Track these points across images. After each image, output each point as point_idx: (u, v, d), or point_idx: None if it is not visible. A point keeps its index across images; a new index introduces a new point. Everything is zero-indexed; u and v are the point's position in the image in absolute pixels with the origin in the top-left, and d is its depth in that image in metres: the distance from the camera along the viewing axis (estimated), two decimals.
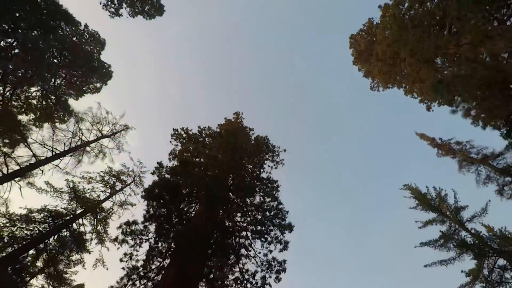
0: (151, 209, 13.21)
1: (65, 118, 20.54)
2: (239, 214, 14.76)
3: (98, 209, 15.60)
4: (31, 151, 13.34)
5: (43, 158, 13.61)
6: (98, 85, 25.06)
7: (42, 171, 14.06)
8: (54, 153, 14.00)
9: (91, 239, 15.18)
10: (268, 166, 22.01)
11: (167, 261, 12.54)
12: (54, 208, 13.97)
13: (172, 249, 12.41)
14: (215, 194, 12.95)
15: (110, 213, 16.07)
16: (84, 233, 14.82)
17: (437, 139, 22.79)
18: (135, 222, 13.95)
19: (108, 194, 16.59)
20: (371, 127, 77.45)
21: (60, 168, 14.60)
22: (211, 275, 12.48)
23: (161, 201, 12.89)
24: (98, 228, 15.32)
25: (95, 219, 15.54)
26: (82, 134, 15.98)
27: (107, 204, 16.53)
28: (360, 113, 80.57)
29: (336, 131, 78.91)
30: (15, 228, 12.49)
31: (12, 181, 13.46)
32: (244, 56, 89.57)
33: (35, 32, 15.90)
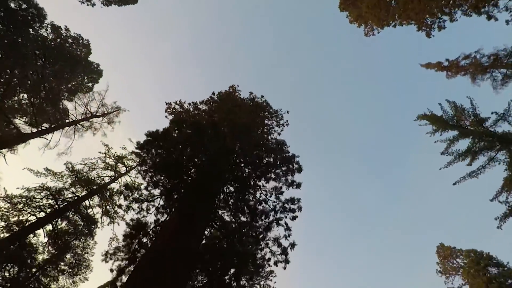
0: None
1: (58, 117, 20.47)
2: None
3: (104, 190, 15.32)
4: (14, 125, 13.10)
5: (29, 132, 13.45)
6: (89, 84, 25.12)
7: (29, 143, 13.83)
8: (41, 129, 13.83)
9: (102, 221, 14.93)
10: (271, 128, 21.17)
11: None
12: (54, 186, 13.74)
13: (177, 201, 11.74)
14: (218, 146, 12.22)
15: (118, 192, 15.70)
16: (93, 215, 14.56)
17: (443, 61, 21.33)
18: (136, 187, 13.41)
19: (113, 177, 16.33)
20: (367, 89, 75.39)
21: (51, 147, 14.42)
22: (219, 222, 11.75)
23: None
24: (107, 207, 15.04)
25: (102, 200, 15.26)
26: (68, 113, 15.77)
27: (113, 186, 16.33)
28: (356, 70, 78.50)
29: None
30: (19, 212, 12.30)
31: None
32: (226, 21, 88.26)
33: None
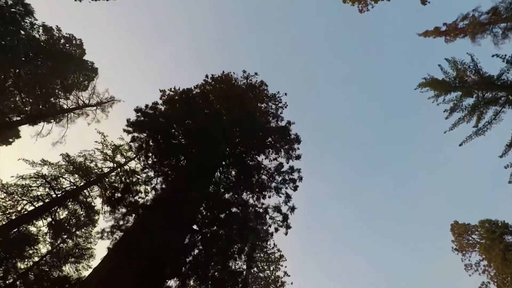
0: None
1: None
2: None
3: (103, 179, 15.16)
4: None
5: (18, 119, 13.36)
6: (85, 83, 25.14)
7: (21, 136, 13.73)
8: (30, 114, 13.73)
9: (103, 210, 14.75)
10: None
11: None
12: (50, 174, 13.62)
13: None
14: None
15: (117, 181, 15.55)
16: (93, 203, 14.43)
17: (440, 26, 20.65)
18: (134, 171, 13.19)
19: (112, 168, 16.17)
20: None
21: (43, 135, 14.29)
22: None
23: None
24: (108, 195, 14.83)
25: (102, 189, 15.10)
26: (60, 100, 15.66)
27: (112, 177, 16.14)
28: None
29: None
30: (16, 202, 12.22)
31: None
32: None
33: None
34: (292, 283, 21.16)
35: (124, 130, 11.25)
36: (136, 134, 11.76)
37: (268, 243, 25.27)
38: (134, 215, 8.72)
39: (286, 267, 22.40)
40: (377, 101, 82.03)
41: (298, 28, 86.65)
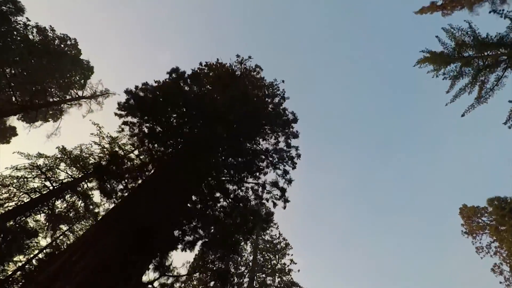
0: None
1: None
2: None
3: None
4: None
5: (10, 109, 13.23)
6: (82, 81, 25.14)
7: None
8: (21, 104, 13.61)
9: (102, 201, 14.58)
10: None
11: None
12: (45, 164, 13.48)
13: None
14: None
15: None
16: (92, 195, 14.27)
17: (436, 0, 20.20)
18: (130, 159, 12.97)
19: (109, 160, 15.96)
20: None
21: (36, 125, 14.16)
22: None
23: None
24: (107, 187, 14.67)
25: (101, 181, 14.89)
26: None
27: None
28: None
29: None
30: (13, 194, 12.12)
31: None
32: None
33: None
34: (299, 271, 20.91)
35: (116, 114, 11.05)
36: (129, 119, 11.56)
37: (273, 231, 25.05)
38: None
39: (292, 255, 22.15)
40: (379, 92, 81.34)
41: (295, 23, 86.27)
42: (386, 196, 78.19)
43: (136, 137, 12.07)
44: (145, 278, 5.99)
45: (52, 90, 21.96)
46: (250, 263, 22.57)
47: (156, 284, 6.96)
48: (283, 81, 22.29)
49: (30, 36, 23.24)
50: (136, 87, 10.93)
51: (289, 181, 9.73)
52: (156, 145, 12.12)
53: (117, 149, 17.11)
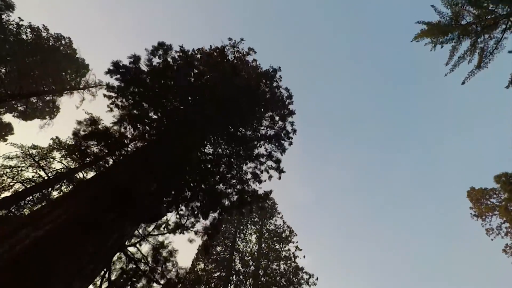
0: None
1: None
2: None
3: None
4: None
5: None
6: (78, 79, 25.14)
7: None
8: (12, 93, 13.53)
9: None
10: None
11: None
12: (38, 152, 13.36)
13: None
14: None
15: None
16: None
17: None
18: (123, 143, 12.74)
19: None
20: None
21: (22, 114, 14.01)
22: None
23: None
24: None
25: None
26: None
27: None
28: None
29: None
30: (7, 184, 12.00)
31: None
32: None
33: None
34: (304, 257, 20.58)
35: (105, 96, 10.84)
36: (118, 101, 11.32)
37: (277, 221, 24.83)
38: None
39: (297, 242, 21.86)
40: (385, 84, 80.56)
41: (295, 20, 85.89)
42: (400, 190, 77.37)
43: (126, 120, 11.85)
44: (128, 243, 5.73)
45: (45, 88, 21.93)
46: (255, 253, 22.36)
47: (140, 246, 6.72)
48: (279, 68, 22.01)
49: (24, 36, 23.29)
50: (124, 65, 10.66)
51: (283, 150, 9.43)
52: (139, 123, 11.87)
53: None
